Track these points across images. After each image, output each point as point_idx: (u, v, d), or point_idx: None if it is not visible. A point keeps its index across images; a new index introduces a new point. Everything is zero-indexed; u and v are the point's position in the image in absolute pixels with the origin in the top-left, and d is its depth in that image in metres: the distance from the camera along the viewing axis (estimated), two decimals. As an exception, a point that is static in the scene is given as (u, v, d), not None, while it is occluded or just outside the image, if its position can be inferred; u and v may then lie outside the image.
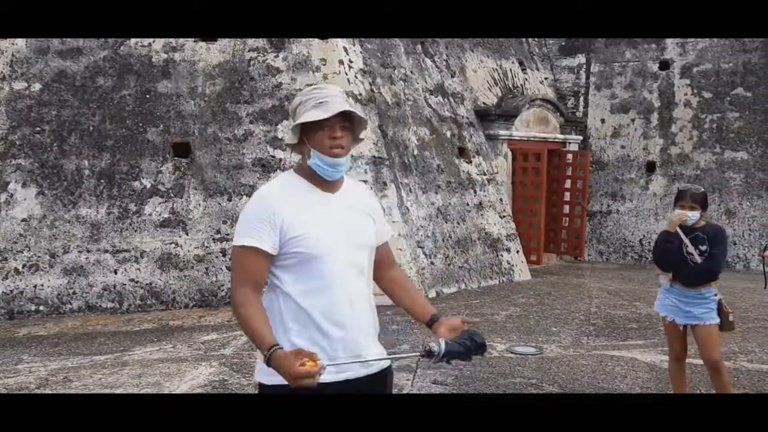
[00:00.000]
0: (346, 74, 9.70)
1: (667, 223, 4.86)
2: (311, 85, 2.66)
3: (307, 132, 2.50)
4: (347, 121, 2.51)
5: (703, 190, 4.84)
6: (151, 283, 8.92)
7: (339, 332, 2.48)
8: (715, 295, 4.78)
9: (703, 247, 4.68)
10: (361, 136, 2.63)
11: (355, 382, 2.51)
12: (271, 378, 2.37)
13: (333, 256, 2.47)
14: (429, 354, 2.49)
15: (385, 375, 2.63)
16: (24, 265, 8.81)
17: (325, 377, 2.32)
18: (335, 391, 2.42)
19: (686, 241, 4.69)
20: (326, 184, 2.54)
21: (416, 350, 2.59)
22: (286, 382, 2.27)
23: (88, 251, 8.93)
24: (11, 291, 8.71)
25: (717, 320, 4.76)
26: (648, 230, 13.87)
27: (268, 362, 2.30)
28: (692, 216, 4.68)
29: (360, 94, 9.73)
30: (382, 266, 2.74)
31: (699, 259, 4.67)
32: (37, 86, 9.42)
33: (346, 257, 2.50)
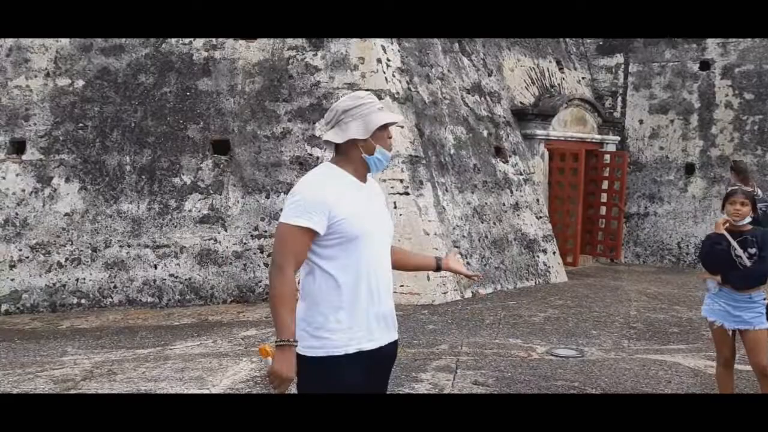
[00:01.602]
0: (384, 73, 9.70)
1: (714, 225, 4.79)
2: (358, 90, 3.14)
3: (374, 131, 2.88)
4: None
5: (751, 190, 4.78)
6: (190, 279, 9.01)
7: (376, 305, 2.83)
8: (764, 299, 4.72)
9: (753, 250, 4.61)
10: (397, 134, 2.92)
11: (379, 350, 2.86)
12: (315, 350, 2.75)
13: (370, 237, 2.81)
14: None
15: (397, 342, 3.04)
16: (66, 259, 8.96)
17: (364, 345, 2.76)
18: (370, 359, 2.80)
19: (734, 243, 4.62)
20: (361, 176, 2.90)
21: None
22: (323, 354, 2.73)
23: (129, 246, 9.06)
24: (54, 284, 8.86)
25: (766, 325, 4.70)
26: (686, 233, 13.68)
27: (279, 346, 2.65)
28: (745, 218, 4.61)
29: (397, 93, 9.73)
30: None
31: (748, 262, 4.60)
32: (80, 83, 9.57)
33: (380, 238, 2.88)
